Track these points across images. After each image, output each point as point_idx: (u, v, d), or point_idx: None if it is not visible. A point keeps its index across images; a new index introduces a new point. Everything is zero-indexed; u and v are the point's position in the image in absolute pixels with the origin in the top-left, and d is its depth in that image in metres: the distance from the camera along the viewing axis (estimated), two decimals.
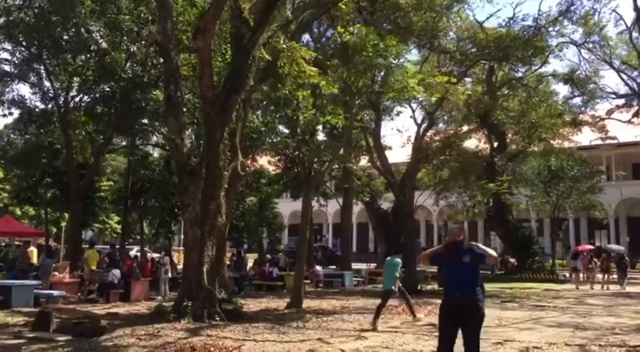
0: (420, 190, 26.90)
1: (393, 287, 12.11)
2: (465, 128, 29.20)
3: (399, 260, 12.55)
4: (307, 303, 15.59)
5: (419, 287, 20.85)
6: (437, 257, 6.50)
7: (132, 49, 22.15)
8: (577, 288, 24.35)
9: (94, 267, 18.65)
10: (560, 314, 14.35)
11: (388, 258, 12.93)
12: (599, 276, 26.01)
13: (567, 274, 28.84)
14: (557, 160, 32.87)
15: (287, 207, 47.66)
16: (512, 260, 33.83)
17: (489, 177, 27.18)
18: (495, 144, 31.50)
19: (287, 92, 15.01)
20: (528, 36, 25.17)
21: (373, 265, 33.07)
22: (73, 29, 21.77)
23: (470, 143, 30.77)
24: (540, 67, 29.11)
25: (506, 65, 27.18)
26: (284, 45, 12.24)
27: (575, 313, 14.50)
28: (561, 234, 42.25)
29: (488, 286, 22.86)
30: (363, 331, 10.82)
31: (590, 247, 33.95)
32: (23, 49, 23.17)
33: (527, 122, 28.29)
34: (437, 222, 53.02)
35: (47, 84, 24.51)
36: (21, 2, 21.73)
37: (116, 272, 17.36)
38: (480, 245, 6.25)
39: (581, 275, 26.27)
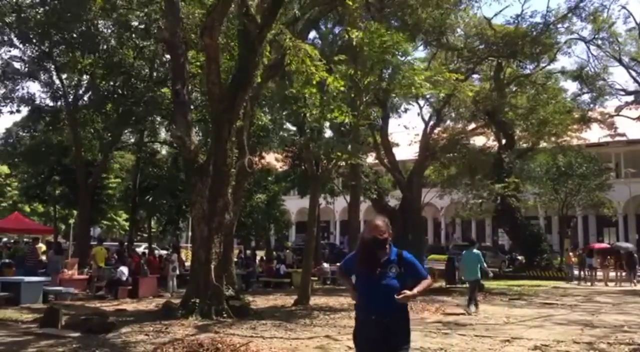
0: (427, 187, 26.91)
1: (480, 276, 14.03)
2: (472, 125, 29.13)
3: (478, 251, 14.22)
4: (314, 300, 15.61)
5: None
6: (350, 265, 4.49)
7: (140, 45, 22.21)
8: (592, 284, 24.43)
9: (101, 264, 18.74)
10: (568, 311, 14.30)
11: (465, 251, 14.64)
12: (612, 273, 26.00)
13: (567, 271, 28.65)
14: (565, 158, 32.74)
15: (294, 204, 47.65)
16: (520, 257, 33.74)
17: (497, 174, 27.09)
18: (503, 141, 31.39)
19: (294, 89, 15.00)
20: (536, 33, 25.06)
21: None
22: (83, 27, 21.88)
23: (478, 140, 30.70)
24: (548, 64, 29.00)
25: (514, 62, 27.08)
26: (290, 43, 12.23)
27: (584, 311, 14.45)
28: (569, 231, 42.08)
29: (496, 284, 22.85)
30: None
31: (605, 245, 33.85)
32: (34, 46, 23.28)
33: (536, 119, 28.20)
34: (444, 220, 52.95)
35: (56, 81, 24.61)
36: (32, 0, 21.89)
37: (124, 269, 17.43)
38: (415, 262, 4.31)
39: (599, 273, 26.23)
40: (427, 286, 4.30)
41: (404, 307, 4.21)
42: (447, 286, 21.46)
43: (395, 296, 3.98)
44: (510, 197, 25.48)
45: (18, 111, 25.13)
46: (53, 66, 23.93)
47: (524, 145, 32.15)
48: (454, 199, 30.60)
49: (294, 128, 26.04)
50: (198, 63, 18.33)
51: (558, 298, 17.99)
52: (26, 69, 24.01)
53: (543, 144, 31.27)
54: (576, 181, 32.97)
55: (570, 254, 27.47)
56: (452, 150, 25.19)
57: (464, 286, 21.16)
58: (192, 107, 16.87)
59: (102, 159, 27.38)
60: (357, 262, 4.32)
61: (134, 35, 22.26)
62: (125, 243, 27.85)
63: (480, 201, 27.74)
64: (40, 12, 21.62)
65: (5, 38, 22.67)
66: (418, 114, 27.60)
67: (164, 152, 35.07)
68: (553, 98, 28.83)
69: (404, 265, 4.18)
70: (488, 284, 21.34)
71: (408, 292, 4.05)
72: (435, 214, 52.29)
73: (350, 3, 16.06)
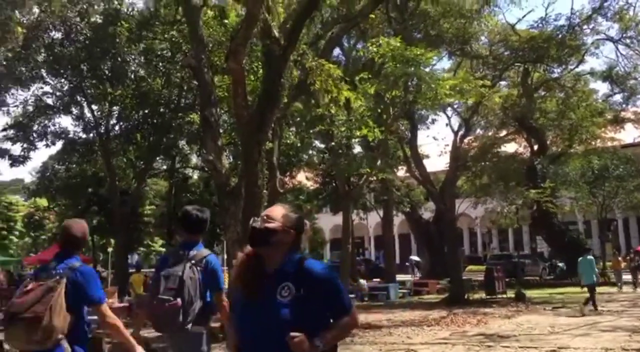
0: (460, 198, 26.62)
1: (595, 279, 15.77)
2: (503, 133, 28.83)
3: (591, 257, 16.11)
4: None
5: (465, 296, 20.49)
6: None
7: (168, 72, 22.67)
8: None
9: (140, 291, 18.92)
10: (615, 318, 13.91)
11: (580, 258, 16.11)
12: None
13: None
14: (600, 160, 32.11)
15: (327, 221, 47.67)
16: (560, 264, 33.06)
17: (531, 180, 26.69)
18: (535, 147, 30.97)
19: (320, 109, 15.09)
20: (562, 36, 24.78)
21: (418, 276, 32.71)
22: (112, 60, 22.49)
23: (510, 147, 30.35)
24: (576, 66, 28.58)
25: (541, 66, 26.77)
26: (313, 63, 12.32)
27: (631, 316, 14.04)
28: (610, 235, 41.07)
29: (537, 292, 22.41)
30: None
31: None
32: (65, 81, 23.96)
33: (567, 123, 27.77)
34: (480, 229, 52.24)
35: (87, 114, 25.24)
36: (63, 37, 22.60)
37: None
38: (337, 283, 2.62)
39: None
40: (346, 329, 2.62)
41: None
42: (488, 297, 21.08)
43: (288, 339, 2.32)
44: (546, 202, 25.03)
45: (53, 143, 25.84)
46: (84, 99, 24.56)
47: (557, 149, 31.67)
48: (488, 208, 30.22)
49: (323, 146, 26.14)
50: (224, 86, 18.60)
51: (603, 304, 17.50)
52: (58, 103, 24.68)
53: (576, 148, 30.73)
54: (613, 183, 32.26)
55: (620, 258, 26.60)
56: (484, 158, 24.93)
57: (504, 296, 20.84)
58: (221, 130, 17.09)
59: (136, 186, 27.84)
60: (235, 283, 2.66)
61: (160, 64, 22.73)
62: None
63: (515, 208, 27.33)
64: (70, 48, 22.30)
65: (36, 73, 23.37)
66: (446, 125, 27.47)
67: (195, 177, 35.51)
68: (584, 100, 28.37)
69: (307, 283, 2.48)
70: (529, 293, 20.93)
71: (301, 340, 2.33)
72: (470, 224, 51.63)
73: (373, 18, 16.21)
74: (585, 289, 15.83)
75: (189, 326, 4.17)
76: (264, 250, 2.57)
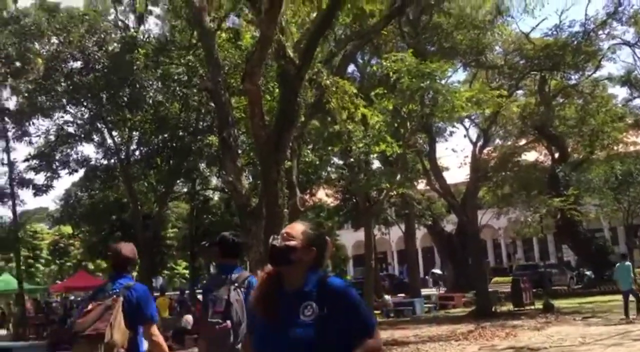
0: (483, 209, 26.41)
1: (633, 286, 15.70)
2: (522, 142, 28.64)
3: (629, 263, 16.17)
4: None
5: (492, 309, 20.21)
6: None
7: (185, 96, 22.95)
8: None
9: (165, 315, 18.99)
10: None
11: (618, 264, 16.37)
12: None
13: None
14: (623, 165, 31.68)
15: (349, 237, 47.51)
16: (588, 273, 32.55)
17: (553, 188, 26.41)
18: (556, 155, 30.67)
19: (337, 126, 15.14)
20: (577, 42, 24.64)
21: (443, 289, 32.38)
22: (130, 87, 22.87)
23: (530, 156, 30.11)
24: (594, 72, 28.30)
25: (558, 73, 26.60)
26: (328, 81, 12.38)
27: None
28: (637, 241, 40.37)
29: (565, 302, 22.04)
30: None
31: None
32: (85, 109, 24.36)
33: (588, 129, 27.50)
34: (504, 240, 51.69)
35: (108, 140, 25.56)
36: (82, 66, 23.05)
37: (188, 317, 17.60)
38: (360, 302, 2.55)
39: None
40: (372, 351, 2.47)
41: None
42: (515, 309, 20.78)
43: None
44: (571, 210, 24.71)
45: (75, 171, 26.19)
46: (104, 126, 24.91)
47: (579, 156, 31.34)
48: (511, 218, 29.93)
49: (341, 162, 26.19)
50: (241, 108, 18.75)
51: (635, 313, 17.14)
52: (80, 131, 25.05)
53: (598, 154, 30.39)
54: (638, 188, 31.79)
55: None
56: (504, 168, 24.75)
57: (532, 307, 20.53)
58: (239, 151, 17.21)
59: (158, 210, 28.03)
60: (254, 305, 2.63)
61: (178, 88, 23.03)
62: (187, 291, 28.24)
63: (539, 217, 27.03)
64: (89, 77, 22.71)
65: (57, 103, 23.77)
66: (465, 136, 27.30)
67: (216, 198, 35.72)
68: (603, 106, 28.10)
69: (329, 302, 2.43)
70: (558, 303, 20.59)
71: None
72: (494, 235, 51.13)
73: (386, 34, 16.27)
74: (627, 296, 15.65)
75: (239, 345, 4.41)
76: (285, 268, 2.54)
